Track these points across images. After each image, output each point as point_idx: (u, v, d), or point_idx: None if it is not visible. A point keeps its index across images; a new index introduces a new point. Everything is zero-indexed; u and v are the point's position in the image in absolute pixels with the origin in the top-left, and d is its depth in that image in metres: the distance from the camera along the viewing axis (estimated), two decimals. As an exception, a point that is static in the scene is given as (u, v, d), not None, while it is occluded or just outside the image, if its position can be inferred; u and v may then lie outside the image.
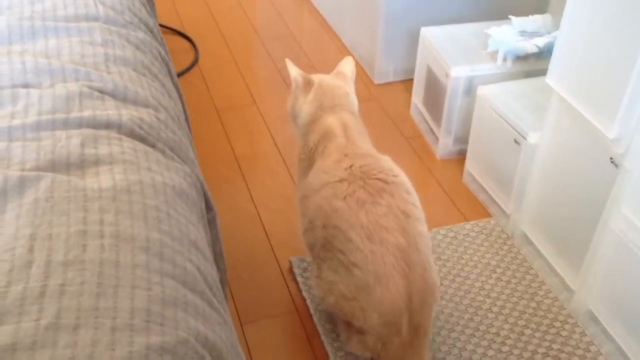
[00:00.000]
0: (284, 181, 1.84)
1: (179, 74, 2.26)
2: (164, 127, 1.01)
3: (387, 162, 1.27)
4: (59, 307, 0.65)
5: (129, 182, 0.83)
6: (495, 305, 1.48)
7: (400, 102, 2.19)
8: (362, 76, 2.29)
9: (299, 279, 1.52)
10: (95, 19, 1.18)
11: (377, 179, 1.20)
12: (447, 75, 1.82)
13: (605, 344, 1.38)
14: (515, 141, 1.58)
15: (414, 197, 1.23)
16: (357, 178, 1.20)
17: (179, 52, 2.41)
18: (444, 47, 1.88)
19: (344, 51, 2.43)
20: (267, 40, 2.52)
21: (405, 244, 1.15)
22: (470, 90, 1.81)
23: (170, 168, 0.92)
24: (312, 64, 2.36)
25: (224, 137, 2.01)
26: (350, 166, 1.22)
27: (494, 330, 1.42)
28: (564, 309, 1.47)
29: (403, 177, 1.24)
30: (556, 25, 1.73)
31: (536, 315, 1.46)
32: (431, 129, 2.00)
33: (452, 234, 1.66)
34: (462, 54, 1.84)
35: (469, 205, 1.78)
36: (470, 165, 1.83)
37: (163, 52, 1.30)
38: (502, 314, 1.46)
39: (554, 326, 1.43)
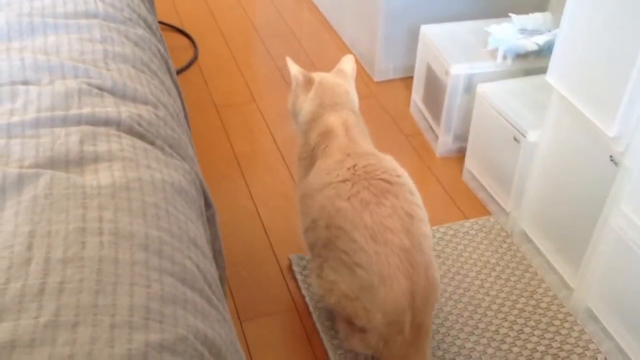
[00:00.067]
0: (283, 179, 1.84)
1: (179, 72, 2.25)
2: (163, 125, 1.01)
3: (389, 161, 1.27)
4: (58, 305, 0.65)
5: (128, 180, 0.83)
6: (495, 303, 1.48)
7: (400, 100, 2.18)
8: (362, 74, 2.28)
9: (298, 276, 1.52)
10: (95, 15, 1.18)
11: (381, 179, 1.20)
12: (447, 73, 1.81)
13: (604, 342, 1.38)
14: (515, 139, 1.58)
15: (417, 198, 1.23)
16: (361, 178, 1.19)
17: (178, 49, 2.41)
18: (444, 44, 1.87)
19: (344, 49, 2.43)
20: (267, 38, 2.52)
21: (410, 245, 1.15)
22: (470, 88, 1.81)
23: (170, 165, 0.92)
24: (311, 61, 2.36)
25: (223, 135, 2.00)
26: (354, 166, 1.22)
27: (493, 328, 1.42)
28: (563, 306, 1.47)
29: (406, 178, 1.24)
30: (556, 23, 1.73)
31: (535, 313, 1.46)
32: (431, 127, 2.00)
33: (451, 232, 1.66)
34: (462, 52, 1.84)
35: (469, 203, 1.78)
36: (469, 163, 1.83)
37: (162, 49, 1.29)
38: (501, 311, 1.46)
39: (553, 324, 1.43)
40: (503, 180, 1.68)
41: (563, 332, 1.42)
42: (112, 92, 1.00)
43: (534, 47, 1.77)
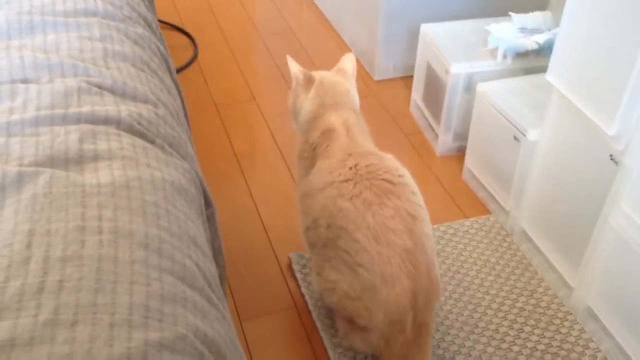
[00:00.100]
0: (283, 177, 1.84)
1: (178, 70, 2.25)
2: (163, 123, 1.01)
3: (391, 161, 1.26)
4: (57, 303, 0.65)
5: (127, 178, 0.83)
6: (495, 301, 1.48)
7: (400, 99, 2.18)
8: (362, 72, 2.28)
9: (298, 275, 1.52)
10: (94, 13, 1.18)
11: (384, 179, 1.20)
12: (447, 72, 1.81)
13: (604, 341, 1.38)
14: (515, 138, 1.58)
15: (419, 198, 1.23)
16: (363, 178, 1.19)
17: (178, 47, 2.41)
18: (444, 43, 1.87)
19: (344, 47, 2.43)
20: (267, 36, 2.51)
21: (412, 246, 1.15)
22: (470, 87, 1.81)
23: (169, 164, 0.92)
24: (311, 60, 2.36)
25: (223, 133, 2.00)
26: (355, 165, 1.22)
27: (493, 326, 1.42)
28: (563, 305, 1.47)
29: (408, 178, 1.24)
30: (556, 22, 1.73)
31: (535, 312, 1.46)
32: (431, 126, 2.00)
33: (451, 231, 1.66)
34: (462, 51, 1.84)
35: (469, 202, 1.78)
36: (469, 162, 1.83)
37: (162, 48, 1.29)
38: (501, 310, 1.46)
39: (553, 323, 1.43)
40: (503, 179, 1.68)
41: (563, 331, 1.42)
42: (112, 91, 1.00)
43: (534, 46, 1.77)
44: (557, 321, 1.44)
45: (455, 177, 1.87)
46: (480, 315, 1.44)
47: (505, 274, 1.55)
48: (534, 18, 1.83)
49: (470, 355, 1.36)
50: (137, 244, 0.74)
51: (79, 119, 0.91)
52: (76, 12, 1.16)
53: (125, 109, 0.96)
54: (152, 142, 0.94)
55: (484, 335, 1.40)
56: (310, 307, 1.45)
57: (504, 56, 1.79)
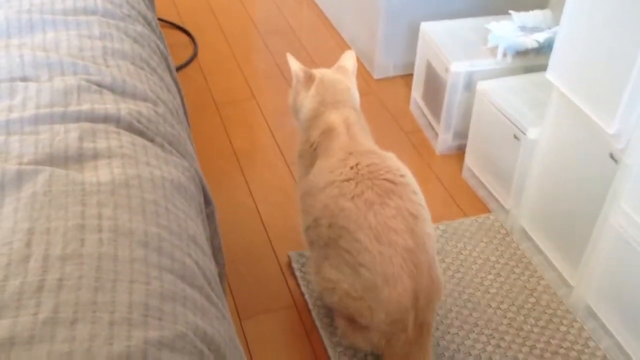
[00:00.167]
0: (283, 175, 1.84)
1: (178, 68, 2.25)
2: (163, 121, 1.00)
3: (392, 160, 1.26)
4: (57, 302, 0.65)
5: (127, 176, 0.83)
6: (494, 300, 1.48)
7: (400, 97, 2.18)
8: (362, 71, 2.28)
9: (297, 273, 1.52)
10: (94, 12, 1.18)
11: (385, 179, 1.19)
12: (446, 70, 1.81)
13: (603, 339, 1.38)
14: (515, 136, 1.58)
15: (421, 198, 1.23)
16: (365, 178, 1.19)
17: (178, 46, 2.41)
18: (444, 42, 1.87)
19: (344, 46, 2.43)
20: (266, 35, 2.51)
21: (414, 245, 1.15)
22: (470, 86, 1.80)
23: (169, 162, 0.92)
24: (311, 58, 2.36)
25: (223, 131, 2.00)
26: (357, 164, 1.22)
27: (492, 325, 1.42)
28: (563, 304, 1.47)
29: (409, 177, 1.24)
30: (556, 21, 1.72)
31: (535, 310, 1.46)
32: (430, 124, 2.00)
33: (451, 230, 1.66)
34: (462, 49, 1.84)
35: (468, 200, 1.78)
36: (469, 160, 1.83)
37: (162, 46, 1.29)
38: (500, 308, 1.46)
39: (552, 321, 1.43)
40: (503, 177, 1.68)
41: (562, 329, 1.42)
42: (112, 89, 1.00)
43: (534, 45, 1.77)
44: (557, 319, 1.44)
45: (455, 176, 1.87)
46: (480, 314, 1.45)
47: (504, 272, 1.55)
48: (534, 16, 1.83)
49: (470, 354, 1.36)
50: (137, 243, 0.74)
51: (78, 117, 0.91)
52: (76, 11, 1.16)
53: (124, 107, 0.96)
54: (151, 140, 0.94)
55: (483, 334, 1.40)
56: (310, 306, 1.45)
57: (504, 54, 1.79)
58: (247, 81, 2.24)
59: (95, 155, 0.86)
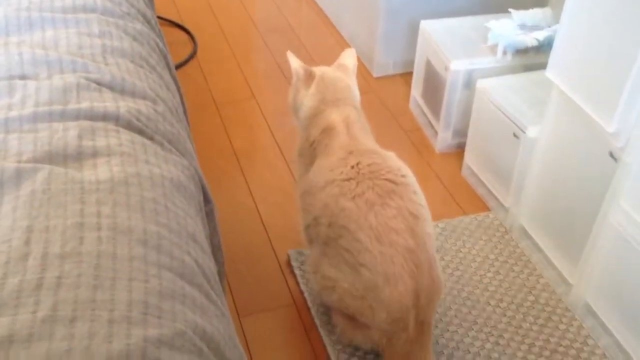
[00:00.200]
0: (283, 174, 1.84)
1: (177, 67, 2.25)
2: (162, 120, 1.00)
3: (393, 160, 1.26)
4: (56, 300, 0.65)
5: (126, 175, 0.83)
6: (493, 298, 1.48)
7: (400, 96, 2.18)
8: (361, 69, 2.28)
9: (297, 272, 1.52)
10: (93, 10, 1.17)
11: (386, 179, 1.19)
12: (446, 68, 1.81)
13: (602, 337, 1.38)
14: (515, 135, 1.58)
15: (421, 197, 1.23)
16: (365, 178, 1.19)
17: (177, 44, 2.41)
18: (444, 40, 1.87)
19: (343, 44, 2.43)
20: (266, 33, 2.51)
21: (414, 245, 1.15)
22: (469, 84, 1.80)
23: (168, 160, 0.92)
24: (311, 57, 2.36)
25: (223, 131, 2.00)
26: (357, 164, 1.21)
27: (491, 323, 1.42)
28: (562, 302, 1.47)
29: (410, 177, 1.24)
30: (556, 19, 1.72)
31: (534, 308, 1.46)
32: (430, 123, 2.00)
33: (450, 228, 1.66)
34: (462, 48, 1.84)
35: (468, 198, 1.78)
36: (469, 158, 1.83)
37: (161, 44, 1.29)
38: (499, 307, 1.46)
39: (551, 319, 1.44)
40: (502, 176, 1.68)
41: (561, 327, 1.42)
42: (111, 87, 1.00)
43: (534, 43, 1.76)
44: (556, 317, 1.44)
45: (455, 174, 1.87)
46: (479, 312, 1.45)
47: (504, 270, 1.55)
48: (533, 15, 1.83)
49: (469, 351, 1.36)
50: (136, 241, 0.74)
51: (77, 115, 0.91)
52: (75, 9, 1.16)
53: (124, 105, 0.96)
54: (151, 138, 0.94)
55: (482, 331, 1.40)
56: (310, 304, 1.45)
57: (504, 53, 1.79)
58: (247, 81, 2.24)
59: (95, 154, 0.85)
